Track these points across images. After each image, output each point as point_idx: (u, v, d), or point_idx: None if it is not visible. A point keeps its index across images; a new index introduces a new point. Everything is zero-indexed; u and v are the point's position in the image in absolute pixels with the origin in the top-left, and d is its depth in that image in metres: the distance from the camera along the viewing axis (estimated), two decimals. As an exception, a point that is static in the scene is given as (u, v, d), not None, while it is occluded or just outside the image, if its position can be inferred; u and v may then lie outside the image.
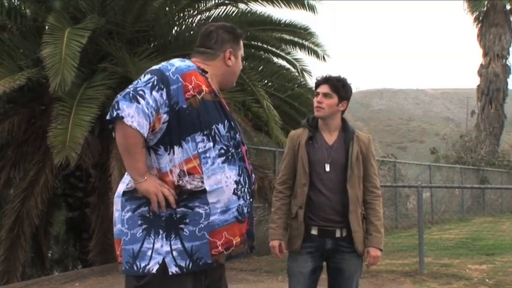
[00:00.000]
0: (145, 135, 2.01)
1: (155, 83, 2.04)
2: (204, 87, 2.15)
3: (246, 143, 2.38)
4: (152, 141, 2.08)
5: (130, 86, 2.05)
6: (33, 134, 7.24)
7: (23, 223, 6.74)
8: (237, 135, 2.23)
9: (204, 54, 2.30)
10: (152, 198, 2.04)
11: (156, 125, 2.03)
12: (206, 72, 2.22)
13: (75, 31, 6.03)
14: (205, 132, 2.10)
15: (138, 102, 1.98)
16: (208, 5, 7.88)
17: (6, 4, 7.29)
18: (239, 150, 2.22)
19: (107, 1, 6.76)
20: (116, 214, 2.16)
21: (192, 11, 7.94)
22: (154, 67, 2.14)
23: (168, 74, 2.08)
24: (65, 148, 5.44)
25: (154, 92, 2.02)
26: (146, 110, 1.98)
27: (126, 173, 2.20)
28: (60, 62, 5.54)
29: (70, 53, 5.68)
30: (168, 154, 2.08)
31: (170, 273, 2.02)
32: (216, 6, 7.93)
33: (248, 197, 2.22)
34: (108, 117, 2.01)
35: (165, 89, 2.04)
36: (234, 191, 2.14)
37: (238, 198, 2.15)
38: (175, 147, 2.08)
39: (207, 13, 7.97)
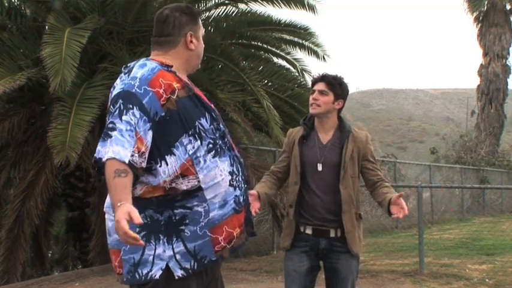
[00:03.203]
0: (125, 159, 1.87)
1: (121, 107, 1.94)
2: (175, 85, 2.05)
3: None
4: (144, 163, 1.95)
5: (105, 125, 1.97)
6: (33, 134, 7.24)
7: (23, 223, 6.74)
8: (221, 125, 2.16)
9: (164, 45, 2.17)
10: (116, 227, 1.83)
11: (140, 146, 1.92)
12: (171, 67, 2.11)
13: (75, 31, 6.04)
14: (190, 132, 2.03)
15: (110, 136, 1.90)
16: (208, 5, 7.88)
17: (6, 4, 7.29)
18: (226, 139, 2.15)
19: (107, 1, 6.76)
20: (110, 224, 2.08)
21: (192, 11, 7.93)
22: (116, 91, 2.01)
23: (134, 90, 1.97)
24: (65, 148, 5.44)
25: (124, 117, 1.92)
26: (121, 137, 1.89)
27: None
28: (60, 62, 5.54)
29: (70, 53, 5.69)
30: (160, 166, 2.00)
31: (176, 277, 1.98)
32: (216, 6, 7.93)
33: (243, 185, 2.18)
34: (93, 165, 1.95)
35: (135, 106, 1.94)
36: (229, 182, 2.09)
37: (235, 188, 2.11)
38: (167, 157, 2.00)
39: (207, 13, 7.97)
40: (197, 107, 2.09)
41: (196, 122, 2.06)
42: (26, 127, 7.18)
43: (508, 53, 22.89)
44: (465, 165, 18.02)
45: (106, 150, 1.88)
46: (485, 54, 22.94)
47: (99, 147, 1.91)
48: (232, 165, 2.13)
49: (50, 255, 9.72)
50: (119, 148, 1.87)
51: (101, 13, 6.73)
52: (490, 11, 23.04)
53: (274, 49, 8.63)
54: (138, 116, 1.94)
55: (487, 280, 5.98)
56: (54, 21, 6.18)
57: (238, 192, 2.13)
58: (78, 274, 6.46)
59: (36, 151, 7.03)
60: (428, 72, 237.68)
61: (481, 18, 23.34)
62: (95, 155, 1.92)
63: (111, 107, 1.99)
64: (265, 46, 8.52)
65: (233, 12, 8.04)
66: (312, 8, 8.48)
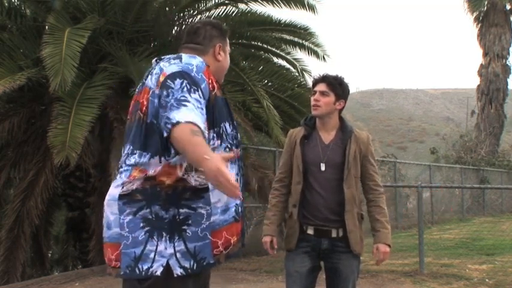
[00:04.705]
0: (202, 128, 1.90)
1: (188, 86, 1.98)
2: (215, 83, 2.13)
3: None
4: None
5: (165, 99, 1.95)
6: (33, 134, 7.25)
7: (23, 223, 6.75)
8: (238, 135, 2.24)
9: (194, 51, 2.22)
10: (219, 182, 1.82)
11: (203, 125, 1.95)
12: (208, 66, 2.17)
13: (75, 31, 6.04)
14: (215, 130, 2.08)
15: (186, 106, 1.92)
16: (208, 5, 7.88)
17: (6, 4, 7.30)
18: (239, 149, 2.21)
19: (107, 1, 6.77)
20: (112, 218, 2.07)
21: (192, 11, 7.94)
22: (174, 70, 2.04)
23: (193, 74, 2.03)
24: (65, 148, 5.45)
25: (192, 95, 1.96)
26: (196, 109, 1.93)
27: (118, 176, 2.13)
28: (60, 62, 5.55)
29: (70, 53, 5.69)
30: None
31: (175, 275, 2.00)
32: (216, 6, 7.93)
33: (241, 196, 2.19)
34: (165, 134, 1.92)
35: (199, 90, 2.00)
36: None
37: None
38: None
39: (207, 13, 7.97)
40: (226, 110, 2.16)
41: (222, 124, 2.12)
42: (26, 127, 7.19)
43: (508, 53, 22.89)
44: (465, 165, 18.02)
45: (182, 117, 1.88)
46: (485, 54, 22.94)
47: (173, 114, 1.89)
48: (237, 174, 2.17)
49: (50, 255, 9.74)
50: (197, 118, 1.90)
51: (101, 13, 6.73)
52: (490, 11, 23.04)
53: (274, 49, 8.64)
54: (200, 98, 1.99)
55: (487, 280, 5.97)
56: (54, 21, 6.19)
57: (238, 201, 2.16)
58: (78, 274, 6.46)
59: (36, 151, 7.04)
60: (428, 72, 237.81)
61: (481, 18, 23.34)
62: (171, 121, 1.88)
63: (170, 81, 1.98)
64: (265, 46, 8.53)
65: (233, 12, 8.05)
66: (312, 8, 8.48)
